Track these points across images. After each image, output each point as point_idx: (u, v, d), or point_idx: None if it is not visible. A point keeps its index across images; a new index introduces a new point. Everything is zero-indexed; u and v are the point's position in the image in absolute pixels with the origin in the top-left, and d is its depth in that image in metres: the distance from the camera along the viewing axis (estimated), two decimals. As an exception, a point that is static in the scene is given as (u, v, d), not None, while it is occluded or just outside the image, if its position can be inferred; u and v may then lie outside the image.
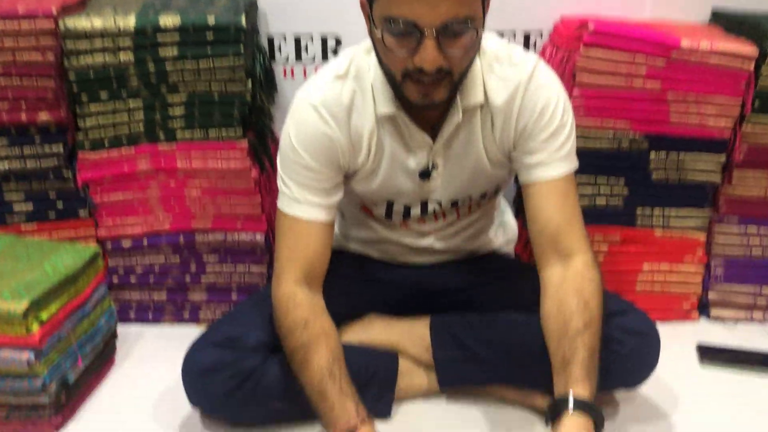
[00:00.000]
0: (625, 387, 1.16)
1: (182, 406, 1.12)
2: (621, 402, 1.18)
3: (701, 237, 1.45)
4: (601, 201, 1.42)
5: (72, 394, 1.16)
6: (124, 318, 1.48)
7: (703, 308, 1.50)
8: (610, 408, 1.16)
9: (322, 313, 1.03)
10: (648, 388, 1.16)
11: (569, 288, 0.99)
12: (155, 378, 1.26)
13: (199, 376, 1.07)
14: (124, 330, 1.42)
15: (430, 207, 1.14)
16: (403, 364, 1.18)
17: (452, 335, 1.16)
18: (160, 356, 1.35)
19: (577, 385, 0.91)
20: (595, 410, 0.90)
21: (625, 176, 1.40)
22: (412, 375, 1.18)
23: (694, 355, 1.35)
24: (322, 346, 0.98)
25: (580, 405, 0.90)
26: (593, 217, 1.40)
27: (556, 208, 1.02)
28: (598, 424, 0.90)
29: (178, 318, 1.50)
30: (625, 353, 1.07)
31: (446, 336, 1.16)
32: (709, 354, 1.33)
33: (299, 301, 1.02)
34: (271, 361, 1.08)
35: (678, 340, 1.36)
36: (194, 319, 1.50)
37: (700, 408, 1.18)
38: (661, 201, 1.42)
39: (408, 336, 1.19)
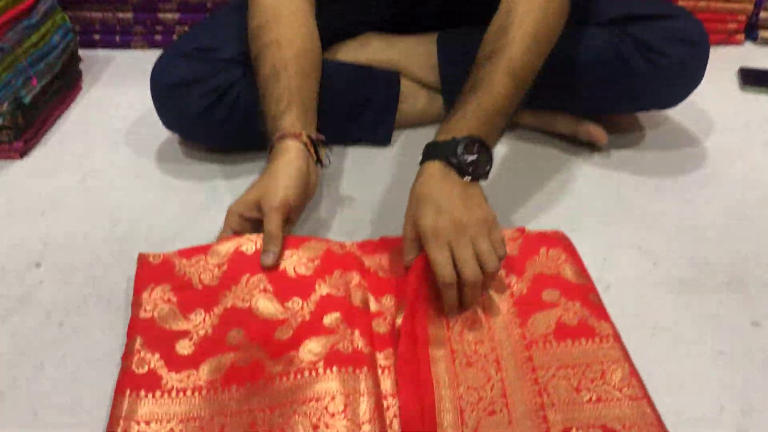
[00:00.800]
0: (658, 108, 1.03)
1: (159, 132, 1.01)
2: (647, 127, 1.07)
3: (765, -61, 1.22)
4: None
5: (31, 117, 1.05)
6: (89, 42, 1.36)
7: (750, 30, 1.34)
8: (633, 133, 1.05)
9: (284, 18, 0.85)
10: (678, 111, 1.04)
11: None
12: (127, 104, 1.15)
13: (170, 92, 0.93)
14: (90, 55, 1.31)
15: None
16: (406, 86, 1.04)
17: (463, 51, 0.98)
18: (132, 82, 1.23)
19: (450, 122, 0.73)
20: (455, 155, 0.71)
21: None
22: (415, 97, 1.05)
23: (734, 80, 1.21)
24: (267, 55, 0.82)
25: (435, 151, 0.72)
26: None
27: None
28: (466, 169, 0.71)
29: (150, 41, 1.36)
30: (667, 64, 0.91)
31: (456, 51, 1.01)
32: (753, 77, 1.21)
33: (262, 6, 0.85)
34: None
35: (718, 64, 1.18)
36: (167, 42, 1.35)
37: (735, 133, 1.07)
38: None
39: (412, 53, 1.04)
